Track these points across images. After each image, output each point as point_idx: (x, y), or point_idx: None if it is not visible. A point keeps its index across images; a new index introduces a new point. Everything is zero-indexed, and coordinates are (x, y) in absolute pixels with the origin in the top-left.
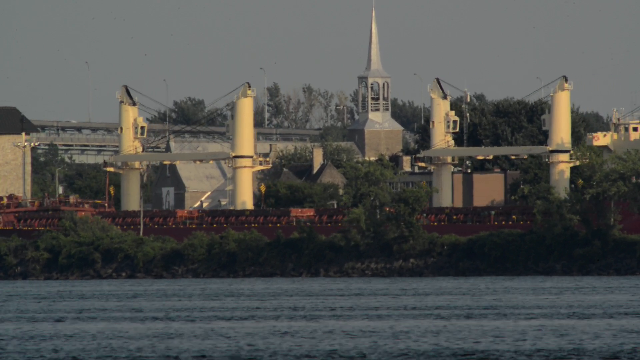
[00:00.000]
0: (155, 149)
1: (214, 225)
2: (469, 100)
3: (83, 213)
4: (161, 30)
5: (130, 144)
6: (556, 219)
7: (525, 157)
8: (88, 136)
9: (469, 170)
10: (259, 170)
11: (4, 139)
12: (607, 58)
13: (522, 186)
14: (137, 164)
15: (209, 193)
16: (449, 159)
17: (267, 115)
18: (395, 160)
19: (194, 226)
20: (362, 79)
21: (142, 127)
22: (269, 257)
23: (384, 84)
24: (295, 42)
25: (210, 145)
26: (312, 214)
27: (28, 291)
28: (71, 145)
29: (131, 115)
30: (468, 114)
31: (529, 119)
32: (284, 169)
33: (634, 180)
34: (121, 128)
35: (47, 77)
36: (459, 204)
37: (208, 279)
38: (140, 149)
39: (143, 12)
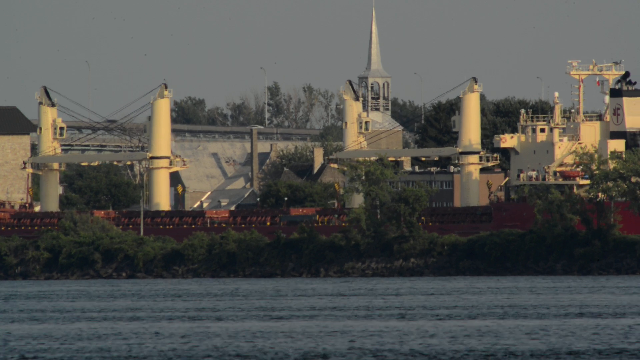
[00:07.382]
0: None
1: (130, 227)
2: None
3: (2, 214)
4: (161, 30)
5: (49, 145)
6: (556, 219)
7: (437, 158)
8: (88, 136)
9: None
10: (259, 169)
11: (4, 139)
12: (608, 58)
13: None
14: (55, 165)
15: (209, 193)
16: (361, 160)
17: (267, 114)
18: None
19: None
20: (362, 79)
21: (62, 128)
22: (269, 257)
23: (384, 84)
24: (295, 42)
25: (210, 144)
26: (227, 215)
27: None
28: (71, 145)
29: (50, 116)
30: None
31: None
32: (285, 169)
33: (633, 180)
34: (40, 129)
35: (47, 77)
36: (459, 203)
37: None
38: (59, 150)
39: (143, 12)
